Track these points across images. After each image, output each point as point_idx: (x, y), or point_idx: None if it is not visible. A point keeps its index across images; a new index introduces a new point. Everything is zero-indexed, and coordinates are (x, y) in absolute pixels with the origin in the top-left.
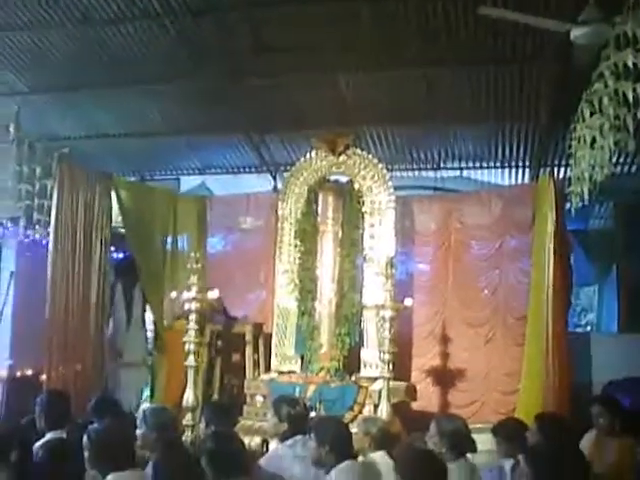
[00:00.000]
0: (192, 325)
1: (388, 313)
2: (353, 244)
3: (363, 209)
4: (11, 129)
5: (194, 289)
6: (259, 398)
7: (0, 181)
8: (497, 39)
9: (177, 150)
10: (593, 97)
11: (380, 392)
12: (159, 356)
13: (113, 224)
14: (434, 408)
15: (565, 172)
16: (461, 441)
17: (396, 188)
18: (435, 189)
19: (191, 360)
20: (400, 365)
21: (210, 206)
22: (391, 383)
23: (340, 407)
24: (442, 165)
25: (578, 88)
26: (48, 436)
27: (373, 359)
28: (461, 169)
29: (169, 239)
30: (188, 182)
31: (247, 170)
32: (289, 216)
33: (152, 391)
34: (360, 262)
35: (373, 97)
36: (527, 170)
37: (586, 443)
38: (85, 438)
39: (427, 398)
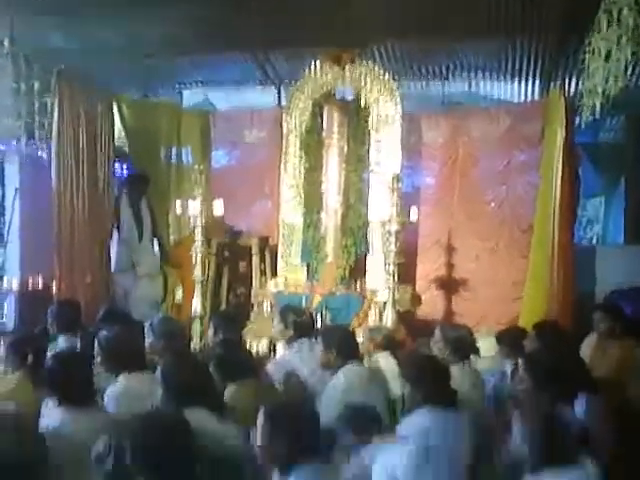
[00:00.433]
0: (198, 237)
1: (394, 227)
2: (359, 159)
3: (369, 124)
4: (5, 43)
5: (199, 201)
6: (266, 307)
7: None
8: None
9: (180, 68)
10: (612, 7)
11: (385, 301)
12: (170, 270)
13: (117, 141)
14: (439, 316)
15: (576, 86)
16: (465, 347)
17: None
18: (443, 103)
19: (198, 271)
20: (405, 274)
21: (214, 121)
22: (396, 292)
23: (345, 316)
24: (450, 77)
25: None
26: (60, 340)
27: (378, 270)
28: (470, 81)
29: (173, 153)
30: (191, 98)
31: (251, 84)
32: (294, 130)
33: (166, 303)
34: (366, 176)
35: (380, 9)
36: (537, 83)
37: (587, 346)
38: (96, 344)
39: (432, 307)
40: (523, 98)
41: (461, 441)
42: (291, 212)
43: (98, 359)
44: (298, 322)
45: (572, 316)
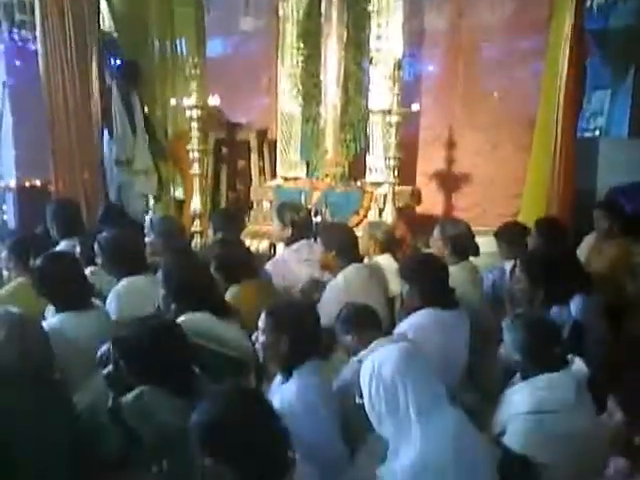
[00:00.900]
0: (195, 133)
1: (395, 118)
2: (359, 46)
3: (369, 8)
4: None
5: (194, 96)
6: (266, 204)
7: None
8: None
9: None
10: None
11: (385, 196)
12: (166, 165)
13: (107, 29)
14: (439, 212)
15: None
16: (464, 244)
17: None
18: None
19: (196, 168)
20: (405, 170)
21: (207, 8)
22: (396, 187)
23: (345, 211)
24: None
25: None
26: (62, 244)
27: (378, 164)
28: None
29: (167, 44)
30: None
31: None
32: (291, 16)
33: (165, 200)
34: (366, 65)
35: None
36: None
37: (585, 245)
38: (96, 246)
39: (432, 202)
40: None
41: (459, 340)
42: (289, 102)
43: (99, 261)
44: (296, 220)
45: (573, 213)
